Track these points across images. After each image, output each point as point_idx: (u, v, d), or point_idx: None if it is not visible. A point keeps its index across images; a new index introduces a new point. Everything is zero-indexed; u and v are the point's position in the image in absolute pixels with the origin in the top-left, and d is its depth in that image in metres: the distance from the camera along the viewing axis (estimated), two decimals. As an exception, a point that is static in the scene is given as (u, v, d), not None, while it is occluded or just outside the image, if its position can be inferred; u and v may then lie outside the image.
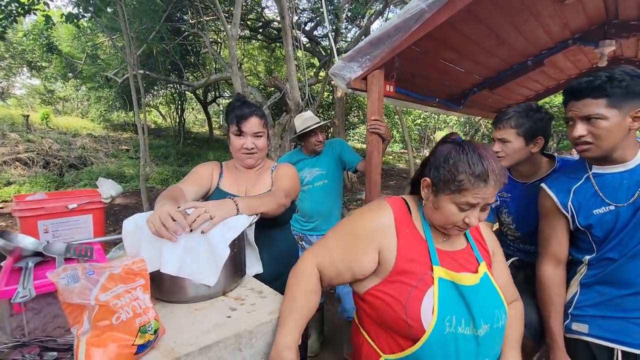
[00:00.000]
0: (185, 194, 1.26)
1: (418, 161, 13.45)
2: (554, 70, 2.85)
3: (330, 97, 10.61)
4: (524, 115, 1.46)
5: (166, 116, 17.27)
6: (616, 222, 1.15)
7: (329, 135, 12.42)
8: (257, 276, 1.25)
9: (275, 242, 1.49)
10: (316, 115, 2.83)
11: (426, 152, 17.33)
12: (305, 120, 2.29)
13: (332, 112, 9.56)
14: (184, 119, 15.59)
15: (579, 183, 1.23)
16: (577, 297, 1.26)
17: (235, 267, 1.05)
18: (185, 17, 7.70)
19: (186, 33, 7.56)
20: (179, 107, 14.59)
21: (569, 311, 1.27)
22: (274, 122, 5.74)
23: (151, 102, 14.99)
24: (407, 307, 0.87)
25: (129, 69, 4.89)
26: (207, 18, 7.37)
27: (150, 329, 0.69)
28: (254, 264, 1.33)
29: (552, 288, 1.30)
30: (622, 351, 1.14)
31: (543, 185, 1.31)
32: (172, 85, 11.92)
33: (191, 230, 0.93)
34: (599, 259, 1.20)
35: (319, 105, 10.37)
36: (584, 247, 1.25)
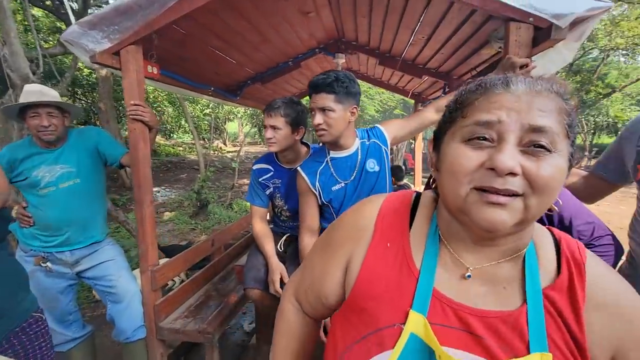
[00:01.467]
0: None
1: (212, 152, 13.26)
2: (310, 73, 3.43)
3: (94, 75, 8.53)
4: (290, 106, 1.67)
5: None
6: (345, 195, 1.48)
7: (96, 124, 10.06)
8: None
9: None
10: (69, 95, 2.13)
11: (218, 143, 17.31)
12: (27, 95, 1.67)
13: (96, 94, 7.73)
14: None
15: (322, 166, 1.50)
16: None
17: None
18: None
19: None
20: None
21: None
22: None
23: None
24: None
25: None
26: None
27: None
28: None
29: None
30: None
31: (299, 168, 1.53)
32: None
33: None
34: None
35: (75, 83, 8.13)
36: (328, 217, 1.55)
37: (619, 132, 1.23)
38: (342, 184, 1.48)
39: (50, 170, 1.76)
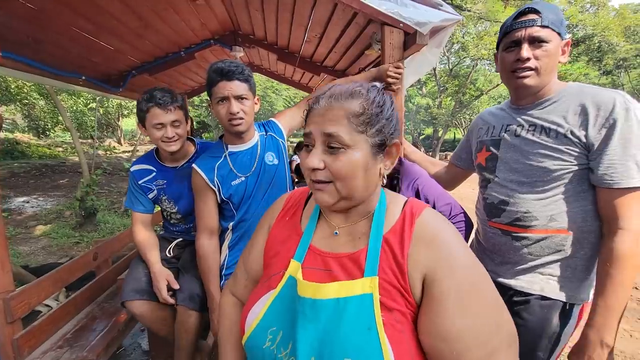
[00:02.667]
0: None
1: (102, 152, 11.44)
2: (206, 65, 3.23)
3: None
4: (177, 96, 1.55)
5: None
6: (245, 190, 1.43)
7: None
8: None
9: None
10: None
11: (111, 142, 15.10)
12: None
13: None
14: None
15: (220, 161, 1.42)
16: (226, 259, 1.48)
17: None
18: None
19: None
20: None
21: (222, 272, 1.47)
22: None
23: None
24: (247, 301, 0.74)
25: None
26: None
27: None
28: None
29: (209, 257, 1.44)
30: None
31: (194, 165, 1.42)
32: None
33: None
34: (238, 222, 1.46)
35: None
36: (228, 215, 1.48)
37: (465, 134, 1.44)
38: (242, 178, 1.43)
39: None
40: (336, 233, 0.70)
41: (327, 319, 0.59)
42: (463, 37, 13.33)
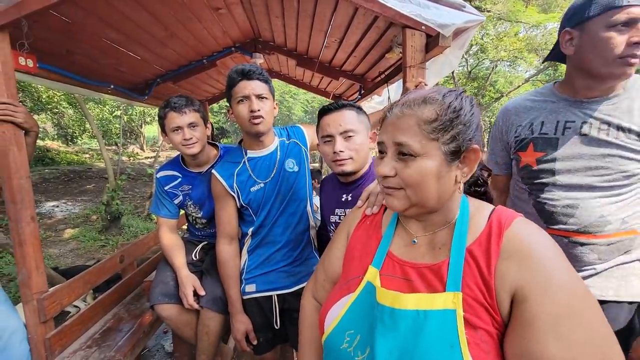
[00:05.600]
0: None
1: (127, 159, 11.83)
2: (227, 72, 3.30)
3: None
4: (195, 101, 1.59)
5: None
6: (264, 196, 1.43)
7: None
8: None
9: None
10: None
11: (134, 148, 15.62)
12: None
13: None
14: None
15: (239, 167, 1.43)
16: (246, 263, 1.49)
17: None
18: None
19: None
20: None
21: (243, 277, 1.48)
22: None
23: None
24: (326, 301, 0.76)
25: None
26: None
27: None
28: None
29: (228, 262, 1.45)
30: (277, 295, 1.46)
31: (213, 171, 1.44)
32: None
33: None
34: (257, 227, 1.46)
35: None
36: (248, 220, 1.49)
37: (492, 135, 1.30)
38: (261, 184, 1.43)
39: None
40: (414, 241, 0.70)
41: (406, 329, 0.58)
42: (482, 39, 13.08)
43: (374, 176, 0.97)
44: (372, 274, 0.69)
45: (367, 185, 1.01)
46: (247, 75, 1.29)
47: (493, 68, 15.23)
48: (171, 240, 1.68)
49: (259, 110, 1.30)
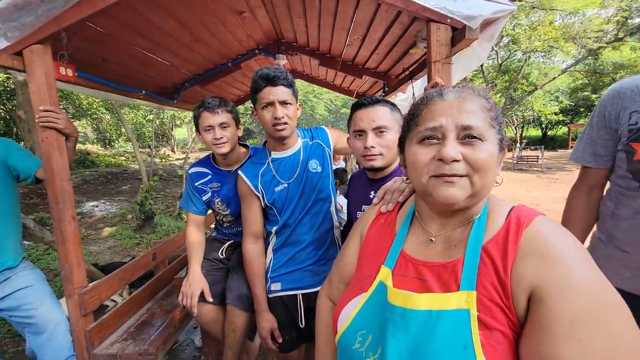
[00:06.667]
0: None
1: (158, 160, 12.42)
2: (251, 74, 3.35)
3: (11, 80, 7.60)
4: (227, 102, 1.64)
5: None
6: (287, 195, 1.45)
7: (14, 135, 9.01)
8: None
9: None
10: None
11: (166, 150, 16.34)
12: None
13: (15, 102, 6.88)
14: None
15: (263, 168, 1.46)
16: (272, 262, 1.51)
17: None
18: None
19: None
20: None
21: (268, 275, 1.50)
22: None
23: None
24: (339, 301, 0.75)
25: None
26: None
27: None
28: None
29: (254, 261, 1.48)
30: (302, 294, 1.48)
31: (239, 172, 1.48)
32: None
33: None
34: (281, 227, 1.48)
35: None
36: (272, 219, 1.51)
37: (593, 121, 1.10)
38: (285, 185, 1.45)
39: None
40: (432, 240, 0.67)
41: (417, 330, 0.56)
42: (513, 29, 12.45)
43: (402, 174, 0.95)
44: (384, 274, 0.68)
45: None
46: (271, 81, 1.31)
47: (526, 60, 14.48)
48: (195, 239, 1.74)
49: (282, 117, 1.32)
